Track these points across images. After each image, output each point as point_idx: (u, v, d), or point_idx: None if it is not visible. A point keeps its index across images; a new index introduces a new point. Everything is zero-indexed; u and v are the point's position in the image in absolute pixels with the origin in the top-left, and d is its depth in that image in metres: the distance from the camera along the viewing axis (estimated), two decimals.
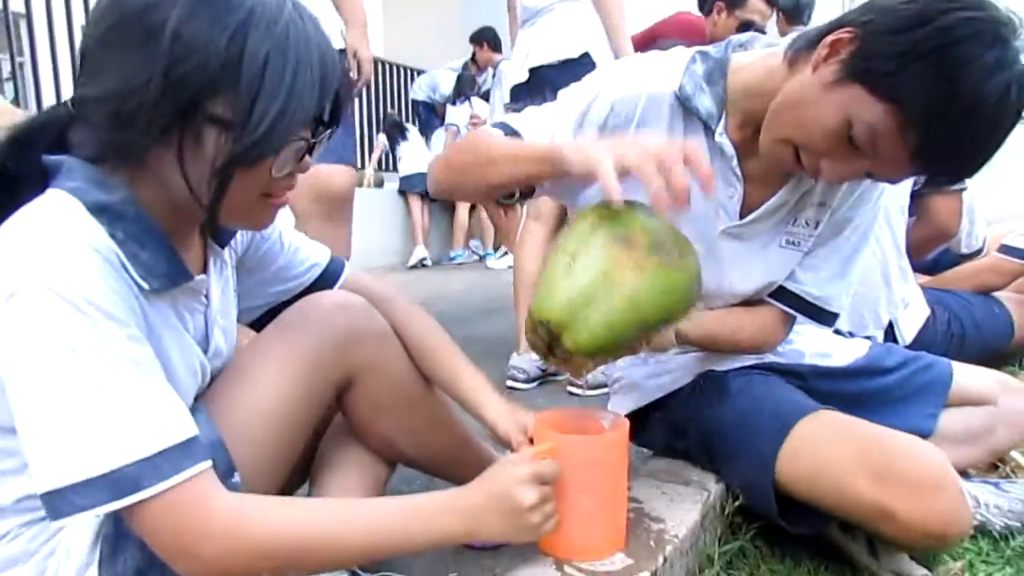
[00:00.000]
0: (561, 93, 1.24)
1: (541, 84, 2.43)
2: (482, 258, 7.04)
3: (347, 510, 0.88)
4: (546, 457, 0.96)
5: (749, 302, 1.32)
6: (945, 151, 0.98)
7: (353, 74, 2.07)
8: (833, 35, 1.01)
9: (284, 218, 1.07)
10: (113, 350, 0.70)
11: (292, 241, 1.09)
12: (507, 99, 2.74)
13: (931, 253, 2.47)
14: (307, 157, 0.83)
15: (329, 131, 0.85)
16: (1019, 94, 0.94)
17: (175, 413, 0.73)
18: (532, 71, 2.50)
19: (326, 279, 1.11)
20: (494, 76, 5.91)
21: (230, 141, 0.74)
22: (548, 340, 0.95)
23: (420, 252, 6.43)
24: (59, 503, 0.68)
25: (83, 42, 0.77)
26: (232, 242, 1.00)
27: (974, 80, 0.92)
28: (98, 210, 0.74)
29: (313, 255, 1.11)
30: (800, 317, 1.32)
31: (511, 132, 1.18)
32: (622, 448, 1.05)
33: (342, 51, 2.02)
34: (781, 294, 1.30)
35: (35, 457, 0.69)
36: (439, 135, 6.70)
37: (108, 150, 0.77)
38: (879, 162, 1.02)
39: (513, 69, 2.64)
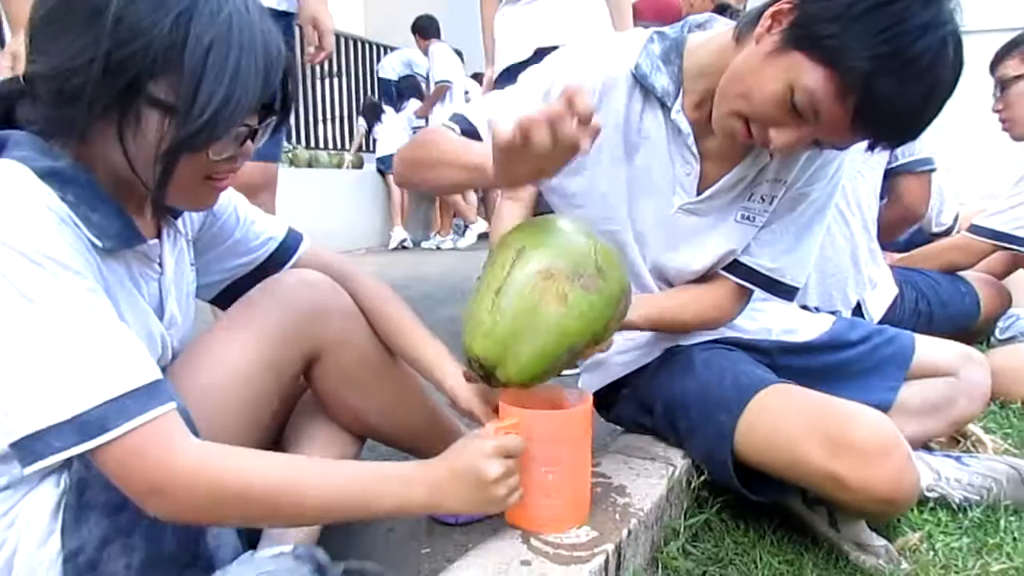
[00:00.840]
0: (520, 77, 1.26)
1: None
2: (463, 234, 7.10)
3: (316, 466, 0.90)
4: (511, 432, 0.98)
5: (705, 276, 1.34)
6: (884, 113, 1.00)
7: (310, 47, 1.99)
8: (774, 7, 1.04)
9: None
10: (71, 299, 0.71)
11: (248, 215, 1.10)
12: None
13: (902, 234, 2.50)
14: (249, 142, 0.84)
15: (276, 119, 0.86)
16: (955, 52, 0.97)
17: (138, 357, 0.75)
18: (538, 51, 2.42)
19: (283, 252, 1.12)
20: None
21: (173, 126, 0.76)
22: (484, 374, 1.01)
23: (400, 233, 6.43)
24: (30, 448, 0.69)
25: (30, 20, 0.78)
26: (188, 216, 1.00)
27: (908, 39, 0.94)
28: (48, 175, 0.76)
29: (269, 228, 1.12)
30: (757, 291, 1.34)
31: (467, 126, 1.19)
32: (586, 423, 1.07)
33: (291, 15, 1.89)
34: (736, 267, 1.32)
35: (1, 407, 0.70)
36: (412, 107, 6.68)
37: (53, 126, 0.79)
38: (822, 128, 1.04)
39: (506, 46, 2.57)
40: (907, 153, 2.22)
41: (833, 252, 2.08)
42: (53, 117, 0.78)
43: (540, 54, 2.36)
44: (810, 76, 1.00)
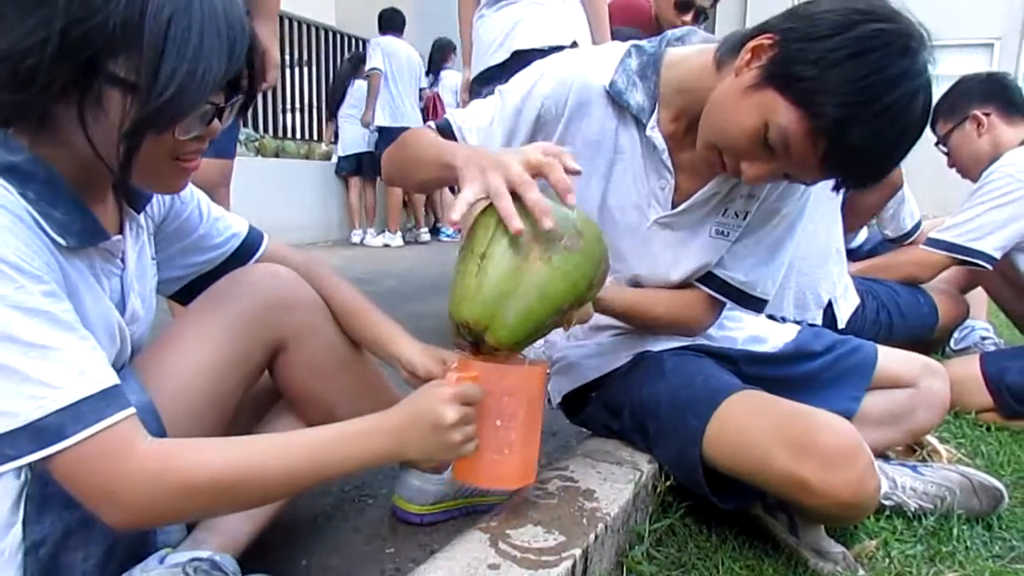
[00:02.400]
0: (498, 89, 1.27)
1: (524, 68, 2.34)
2: (437, 232, 7.11)
3: (275, 441, 0.89)
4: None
5: (680, 287, 1.35)
6: (853, 156, 1.02)
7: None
8: (755, 40, 1.06)
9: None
10: (27, 304, 0.69)
11: (212, 211, 1.09)
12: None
13: (883, 207, 2.59)
14: (216, 121, 0.82)
15: (242, 97, 0.84)
16: (925, 102, 1.00)
17: (95, 363, 0.73)
18: (516, 53, 2.42)
19: (246, 249, 1.12)
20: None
21: (136, 104, 0.73)
22: (472, 339, 1.01)
23: (368, 233, 6.38)
24: None
25: None
26: (149, 210, 0.99)
27: (882, 89, 0.97)
28: (7, 171, 0.74)
29: (233, 225, 1.11)
30: (728, 303, 1.36)
31: (449, 130, 1.22)
32: (540, 383, 1.08)
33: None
34: (709, 279, 1.35)
35: None
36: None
37: (10, 111, 0.76)
38: (792, 164, 1.07)
39: (484, 49, 2.55)
40: None
41: (805, 251, 2.12)
42: (9, 101, 0.74)
43: (518, 57, 2.38)
44: (784, 115, 1.02)
